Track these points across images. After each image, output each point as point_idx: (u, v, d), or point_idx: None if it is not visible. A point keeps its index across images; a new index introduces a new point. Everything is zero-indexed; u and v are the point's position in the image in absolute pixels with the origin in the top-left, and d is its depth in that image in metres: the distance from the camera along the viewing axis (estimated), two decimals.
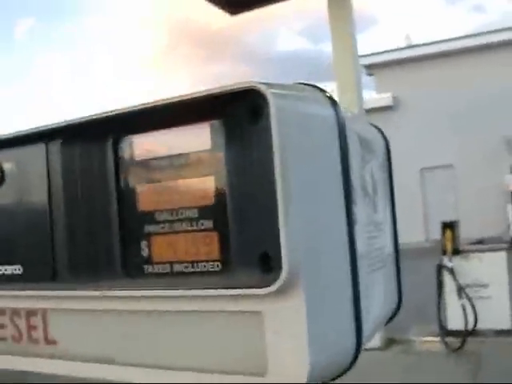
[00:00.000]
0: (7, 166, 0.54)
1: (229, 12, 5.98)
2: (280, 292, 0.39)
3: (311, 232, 0.41)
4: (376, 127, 0.69)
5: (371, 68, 16.77)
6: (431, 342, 4.99)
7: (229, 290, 0.41)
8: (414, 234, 12.67)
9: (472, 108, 14.83)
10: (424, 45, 16.49)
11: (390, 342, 5.04)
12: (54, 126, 0.50)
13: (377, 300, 0.57)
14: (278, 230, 0.38)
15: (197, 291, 0.43)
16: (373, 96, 16.12)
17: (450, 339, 4.83)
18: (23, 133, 0.52)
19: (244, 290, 0.40)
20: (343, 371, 0.47)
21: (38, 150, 0.51)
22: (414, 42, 17.08)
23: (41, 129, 0.51)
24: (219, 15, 5.51)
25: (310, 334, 0.39)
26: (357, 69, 5.70)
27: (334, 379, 0.46)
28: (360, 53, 6.04)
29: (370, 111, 11.82)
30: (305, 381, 0.40)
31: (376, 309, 0.56)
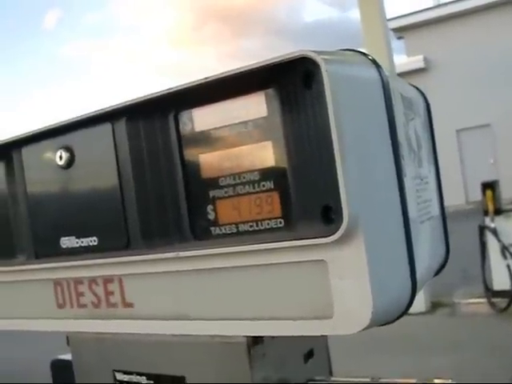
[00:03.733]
0: (76, 147, 0.59)
1: None
2: (342, 240, 0.43)
3: (366, 184, 0.44)
4: (416, 87, 0.71)
5: (400, 31, 16.46)
6: (477, 303, 4.98)
7: (293, 241, 0.45)
8: (453, 196, 12.53)
9: (507, 64, 14.48)
10: (452, 3, 16.10)
11: (435, 306, 5.05)
12: (118, 106, 0.54)
13: (426, 250, 0.60)
14: (338, 183, 0.42)
15: (263, 245, 0.47)
16: (404, 60, 15.86)
17: (495, 300, 4.82)
18: (89, 115, 0.57)
19: (308, 240, 0.44)
20: (401, 314, 0.50)
21: (105, 129, 0.56)
22: (443, 1, 16.69)
23: (105, 110, 0.55)
24: None
25: (372, 279, 0.43)
26: (386, 32, 5.63)
27: (392, 322, 0.50)
28: (388, 16, 5.96)
29: (402, 75, 11.67)
30: (368, 322, 0.44)
31: (426, 258, 0.59)
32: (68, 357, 1.10)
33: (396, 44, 16.41)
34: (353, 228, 0.42)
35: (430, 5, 16.83)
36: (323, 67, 0.42)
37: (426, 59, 15.85)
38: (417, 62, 15.78)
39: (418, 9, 16.67)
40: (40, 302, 0.67)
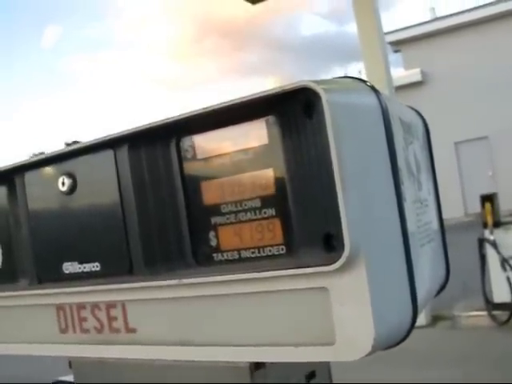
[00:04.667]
0: (79, 174, 0.59)
1: (249, 1, 6.01)
2: (343, 268, 0.43)
3: (367, 211, 0.45)
4: (414, 109, 0.72)
5: (397, 44, 16.56)
6: (477, 316, 4.97)
7: (295, 269, 0.45)
8: (452, 208, 12.53)
9: (504, 77, 14.54)
10: (449, 16, 16.20)
11: (435, 319, 5.04)
12: (120, 134, 0.55)
13: (426, 272, 0.60)
14: (339, 211, 0.42)
15: (265, 273, 0.47)
16: (401, 73, 15.94)
17: (496, 312, 4.81)
18: (91, 142, 0.57)
19: (310, 268, 0.45)
20: (402, 339, 0.50)
21: (107, 156, 0.56)
22: (439, 15, 16.80)
23: (108, 137, 0.56)
24: (241, 6, 5.55)
25: (373, 305, 0.43)
26: (383, 46, 5.66)
27: (393, 346, 0.50)
28: (385, 30, 6.00)
29: (399, 88, 11.72)
30: (370, 349, 0.44)
31: (426, 281, 0.59)
32: (69, 378, 1.10)
33: (393, 57, 16.51)
34: (354, 255, 0.43)
35: (427, 18, 16.94)
36: (324, 97, 0.42)
37: (423, 72, 15.94)
38: (414, 75, 15.86)
39: (414, 22, 16.77)
40: (42, 327, 0.67)
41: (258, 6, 6.10)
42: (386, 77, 5.42)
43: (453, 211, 12.73)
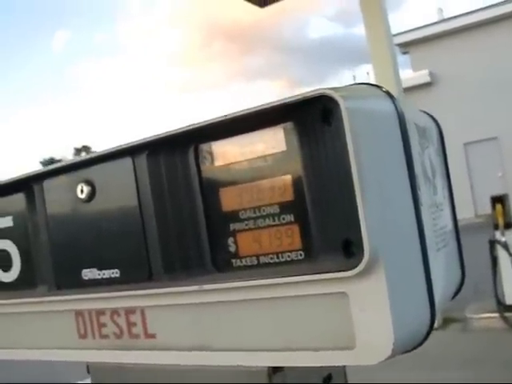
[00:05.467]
0: (97, 181, 0.60)
1: (258, 4, 6.02)
2: (363, 273, 0.44)
3: (386, 217, 0.45)
4: (427, 113, 0.72)
5: (406, 46, 16.55)
6: (489, 318, 4.95)
7: (315, 275, 0.46)
8: (462, 210, 12.47)
9: None
10: (457, 17, 16.17)
11: (446, 321, 5.02)
12: (138, 142, 0.56)
13: (443, 276, 0.60)
14: (358, 217, 0.43)
15: (284, 278, 0.48)
16: (410, 74, 15.91)
17: (508, 314, 4.79)
18: (110, 150, 0.58)
19: (329, 274, 0.45)
20: (421, 342, 0.51)
21: (126, 163, 0.57)
22: (447, 16, 16.77)
23: (127, 145, 0.56)
24: (250, 10, 5.57)
25: (393, 310, 0.44)
26: (392, 48, 5.66)
27: (412, 350, 0.51)
28: (393, 32, 6.00)
29: (407, 90, 11.70)
30: (390, 353, 0.45)
31: (443, 285, 0.60)
32: (86, 382, 1.11)
33: (401, 59, 16.49)
34: (374, 261, 0.43)
35: (435, 19, 16.91)
36: (342, 104, 0.43)
37: (431, 73, 15.90)
38: (422, 76, 15.83)
39: (422, 24, 16.75)
40: (61, 333, 0.68)
41: (266, 9, 6.11)
42: (395, 79, 5.41)
43: (463, 212, 12.68)
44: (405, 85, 8.88)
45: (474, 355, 3.98)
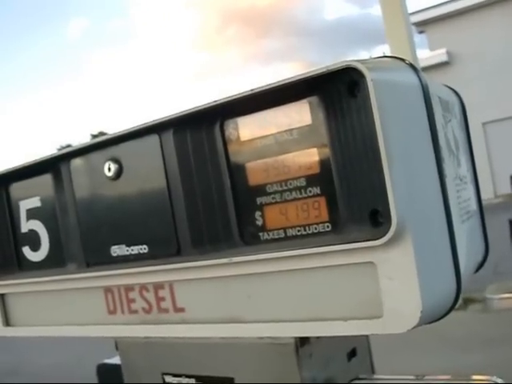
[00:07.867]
0: (124, 159, 0.61)
1: None
2: (390, 242, 0.44)
3: (412, 188, 0.45)
4: (449, 87, 0.72)
5: (422, 25, 16.33)
6: (509, 298, 4.92)
7: (343, 245, 0.47)
8: (481, 190, 12.36)
9: None
10: None
11: (466, 302, 5.00)
12: (165, 119, 0.56)
13: (467, 248, 0.61)
14: (385, 187, 0.43)
15: (312, 249, 0.48)
16: (427, 54, 15.72)
17: None
18: (136, 127, 0.59)
19: (357, 243, 0.46)
20: (446, 312, 0.51)
21: (153, 140, 0.58)
22: None
23: (153, 122, 0.57)
24: None
25: (420, 279, 0.44)
26: (408, 27, 5.59)
27: (438, 319, 0.51)
28: (409, 10, 5.92)
29: (425, 69, 11.56)
30: (417, 321, 0.45)
31: (467, 256, 0.60)
32: (114, 361, 1.13)
33: (417, 38, 16.29)
34: (401, 230, 0.44)
35: None
36: (368, 76, 0.43)
37: (448, 52, 15.69)
38: (440, 55, 15.62)
39: (438, 2, 16.49)
40: (91, 309, 0.70)
41: None
42: (412, 58, 5.35)
43: (482, 193, 12.55)
44: (422, 64, 8.79)
45: (494, 336, 3.97)
